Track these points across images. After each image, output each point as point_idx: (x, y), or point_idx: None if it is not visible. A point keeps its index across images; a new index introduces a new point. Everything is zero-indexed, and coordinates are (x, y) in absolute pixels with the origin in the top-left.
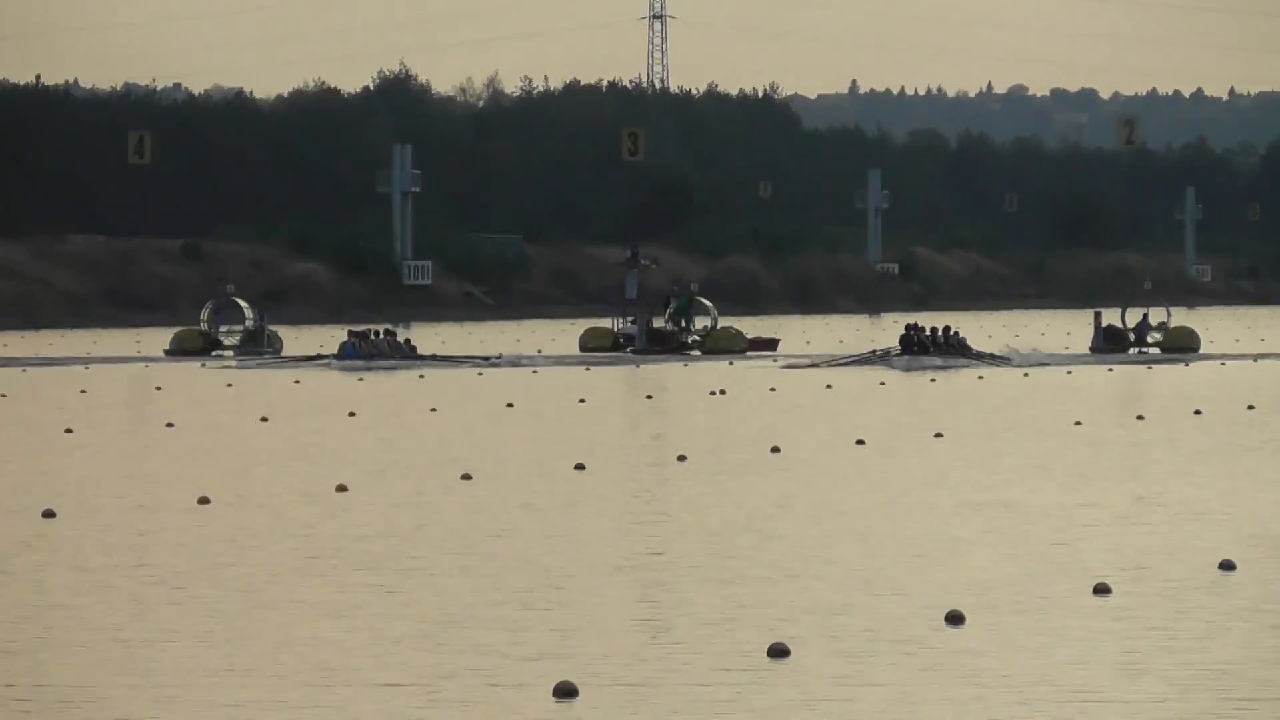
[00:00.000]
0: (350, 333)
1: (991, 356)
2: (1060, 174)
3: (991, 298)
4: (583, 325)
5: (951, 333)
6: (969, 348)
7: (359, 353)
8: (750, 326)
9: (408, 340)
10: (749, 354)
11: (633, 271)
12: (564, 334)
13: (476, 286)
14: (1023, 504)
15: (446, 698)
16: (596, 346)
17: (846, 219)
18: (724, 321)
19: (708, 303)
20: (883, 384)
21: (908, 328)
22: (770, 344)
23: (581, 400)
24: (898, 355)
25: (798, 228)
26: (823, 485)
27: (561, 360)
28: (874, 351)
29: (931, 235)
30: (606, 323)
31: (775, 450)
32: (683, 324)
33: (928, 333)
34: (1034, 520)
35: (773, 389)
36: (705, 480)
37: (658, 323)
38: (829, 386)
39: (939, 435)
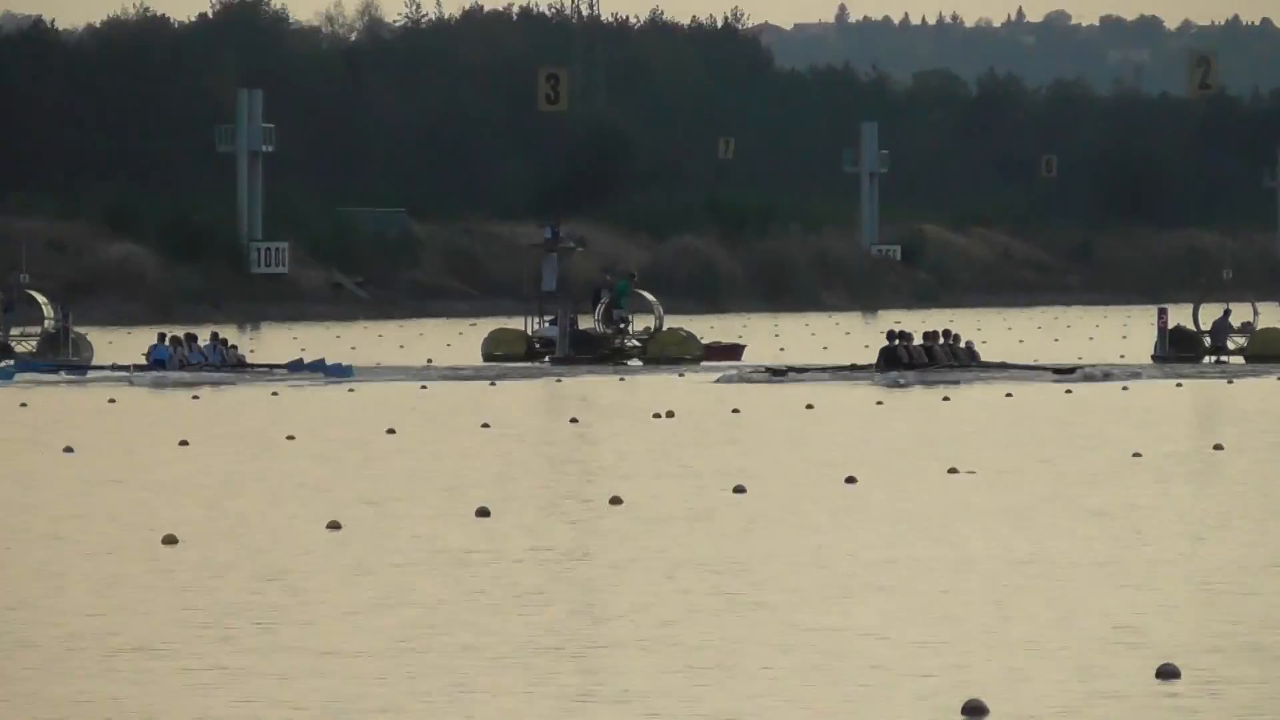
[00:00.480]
0: (162, 336)
1: (1002, 367)
2: (1113, 129)
3: (1023, 290)
4: (487, 326)
5: (953, 339)
6: (978, 360)
7: (175, 362)
8: (706, 328)
9: (234, 346)
10: (705, 364)
11: (552, 256)
12: (463, 337)
13: (347, 276)
14: (1062, 563)
15: None
16: (505, 354)
17: (833, 188)
18: (673, 321)
19: (650, 296)
20: (880, 404)
21: (890, 337)
22: (732, 351)
23: (485, 425)
24: (876, 372)
25: (769, 199)
26: (801, 536)
27: (459, 372)
28: (853, 367)
29: (944, 209)
30: (517, 323)
31: (739, 490)
32: (619, 323)
33: (920, 342)
34: (1075, 584)
35: (736, 410)
36: (648, 531)
37: (585, 322)
38: (810, 407)
39: (953, 471)
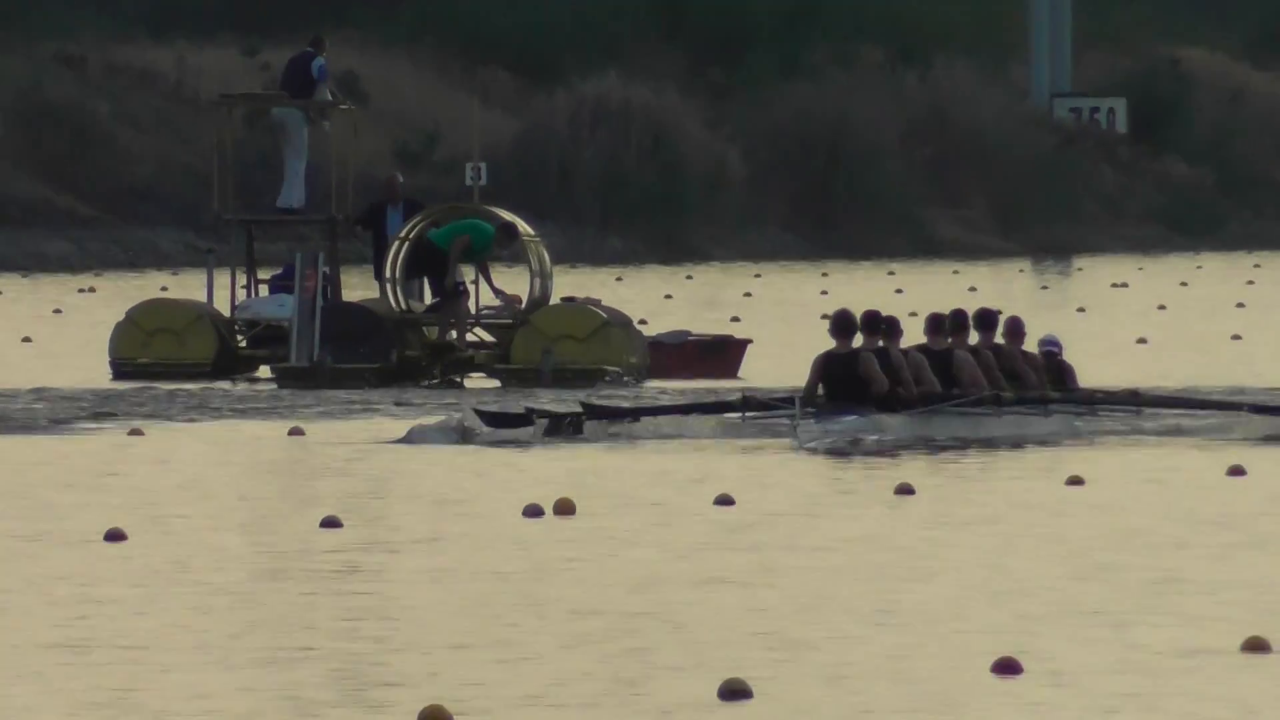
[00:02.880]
0: None
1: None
2: None
3: None
4: (127, 293)
5: (1018, 343)
6: (1070, 384)
7: None
8: (658, 298)
9: None
10: (654, 382)
11: (294, 122)
12: (61, 319)
13: None
14: None
15: None
16: (166, 359)
17: None
18: (573, 283)
19: (521, 226)
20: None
21: (843, 326)
22: (720, 352)
23: (113, 535)
24: (805, 416)
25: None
26: None
27: (42, 411)
28: (743, 412)
29: (1230, 17)
30: (195, 285)
31: (735, 696)
32: (456, 286)
33: (916, 345)
34: None
35: (727, 501)
36: None
37: (357, 284)
38: (906, 491)
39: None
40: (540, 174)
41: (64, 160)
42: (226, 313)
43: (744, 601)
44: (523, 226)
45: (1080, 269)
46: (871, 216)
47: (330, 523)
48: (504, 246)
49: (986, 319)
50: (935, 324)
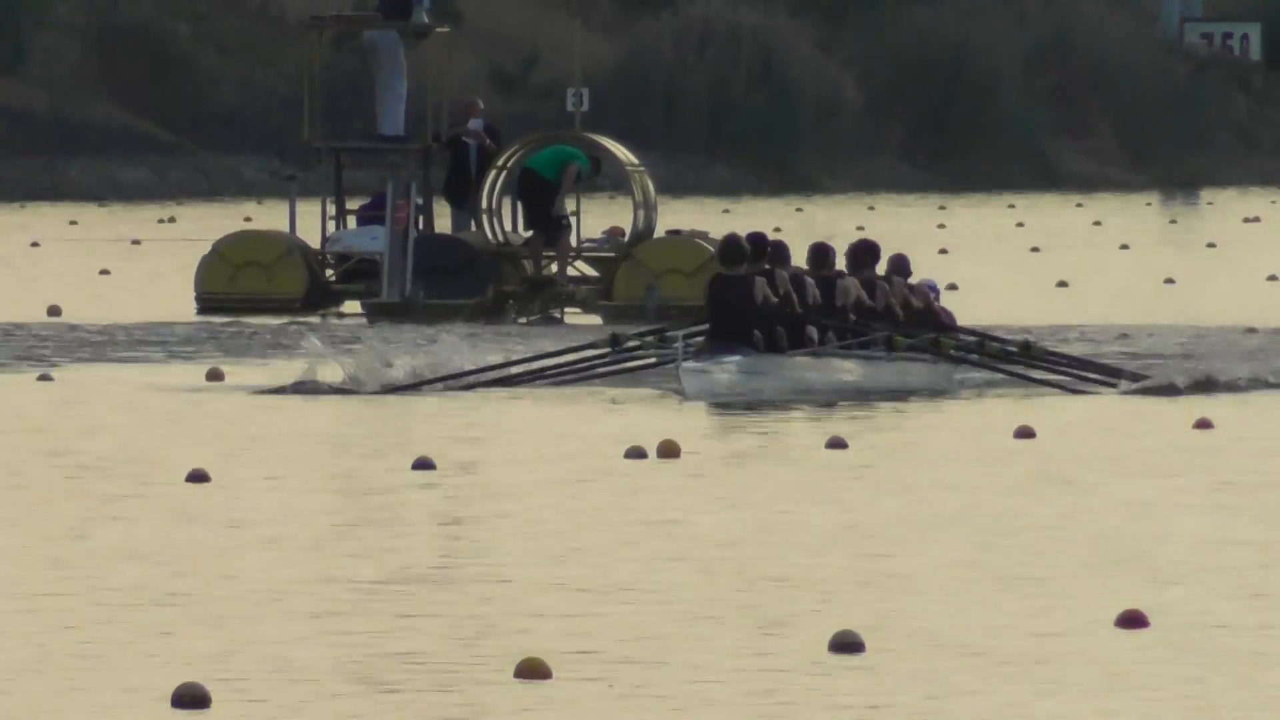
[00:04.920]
0: None
1: (1046, 361)
2: None
3: None
4: (211, 225)
5: (910, 282)
6: (978, 337)
7: None
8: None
9: None
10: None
11: (390, 42)
12: (141, 253)
13: None
14: None
15: None
16: (254, 293)
17: None
18: (678, 215)
19: (625, 155)
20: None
21: (731, 251)
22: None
23: (196, 477)
24: (688, 354)
25: None
26: None
27: (120, 339)
28: (613, 348)
29: None
30: (279, 215)
31: None
32: (558, 218)
33: (799, 268)
34: None
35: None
36: None
37: (448, 217)
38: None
39: None
40: (644, 100)
41: (142, 84)
42: (312, 243)
43: (854, 552)
44: (626, 155)
45: (1210, 203)
46: (992, 146)
47: (423, 464)
48: (594, 176)
49: (868, 250)
50: (819, 257)
